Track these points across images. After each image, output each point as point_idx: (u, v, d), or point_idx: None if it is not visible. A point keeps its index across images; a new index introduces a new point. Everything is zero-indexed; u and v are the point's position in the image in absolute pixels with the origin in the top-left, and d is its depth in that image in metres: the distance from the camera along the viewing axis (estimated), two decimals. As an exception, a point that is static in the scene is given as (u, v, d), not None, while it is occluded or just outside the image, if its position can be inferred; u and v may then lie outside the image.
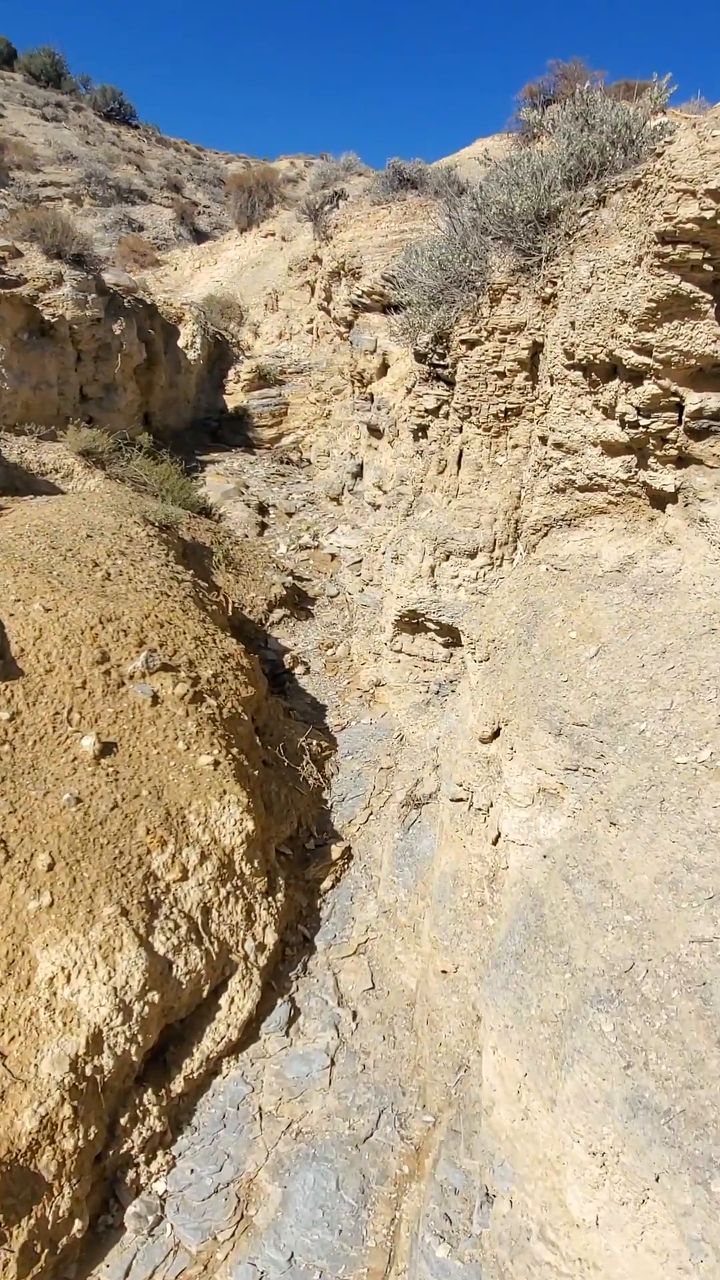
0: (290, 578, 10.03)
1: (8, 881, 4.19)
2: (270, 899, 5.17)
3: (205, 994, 4.55)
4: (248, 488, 13.27)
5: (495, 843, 5.04)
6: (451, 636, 7.59)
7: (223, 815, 5.10)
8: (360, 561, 10.03)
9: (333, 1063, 4.61)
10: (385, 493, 10.72)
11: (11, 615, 5.57)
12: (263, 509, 12.59)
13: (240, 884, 5.02)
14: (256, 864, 5.16)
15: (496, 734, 5.53)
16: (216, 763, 5.36)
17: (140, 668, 5.64)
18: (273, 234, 23.33)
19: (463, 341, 7.19)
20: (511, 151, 20.65)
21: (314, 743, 6.95)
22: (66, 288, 13.02)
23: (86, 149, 34.83)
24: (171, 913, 4.54)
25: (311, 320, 19.25)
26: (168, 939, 4.40)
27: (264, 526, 12.04)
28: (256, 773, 5.82)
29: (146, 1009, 4.11)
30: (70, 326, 12.92)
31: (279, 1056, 4.63)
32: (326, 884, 5.89)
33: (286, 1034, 4.76)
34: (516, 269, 6.99)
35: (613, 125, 6.83)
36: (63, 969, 3.95)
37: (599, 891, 3.55)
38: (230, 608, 8.03)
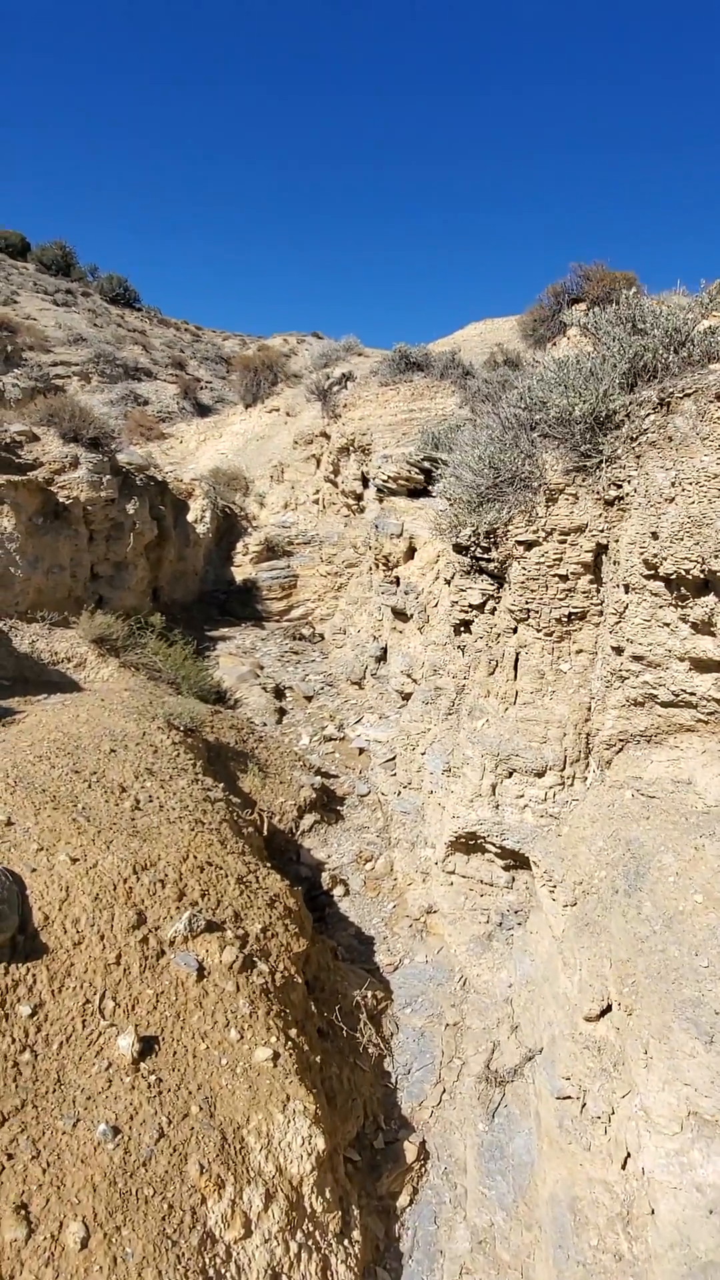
0: (318, 777, 9.29)
1: (30, 1270, 3.21)
2: (346, 1241, 4.13)
3: None
4: (262, 669, 12.74)
5: (624, 1166, 4.09)
6: (514, 859, 6.81)
7: (288, 1133, 4.13)
8: (394, 759, 9.32)
9: None
10: (416, 682, 10.17)
11: (34, 870, 4.77)
12: (279, 692, 12.00)
13: (312, 1228, 3.99)
14: (328, 1194, 4.15)
15: (606, 1010, 4.67)
16: (275, 1055, 4.43)
17: (182, 931, 4.81)
18: (277, 409, 24.05)
19: (519, 542, 6.80)
20: (513, 338, 21.64)
21: (369, 994, 6.01)
22: (82, 470, 12.92)
23: (95, 331, 36.65)
24: (235, 1294, 3.52)
25: (318, 491, 19.45)
26: (233, 1341, 3.37)
27: (282, 713, 11.40)
28: (318, 1058, 4.87)
29: None
30: (84, 508, 12.72)
31: None
32: (403, 1199, 4.82)
33: None
34: (572, 469, 6.70)
35: (664, 330, 6.72)
36: None
37: None
38: (265, 825, 7.25)
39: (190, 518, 16.78)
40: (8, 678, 9.68)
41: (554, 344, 10.76)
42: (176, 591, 16.17)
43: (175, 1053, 4.27)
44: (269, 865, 6.30)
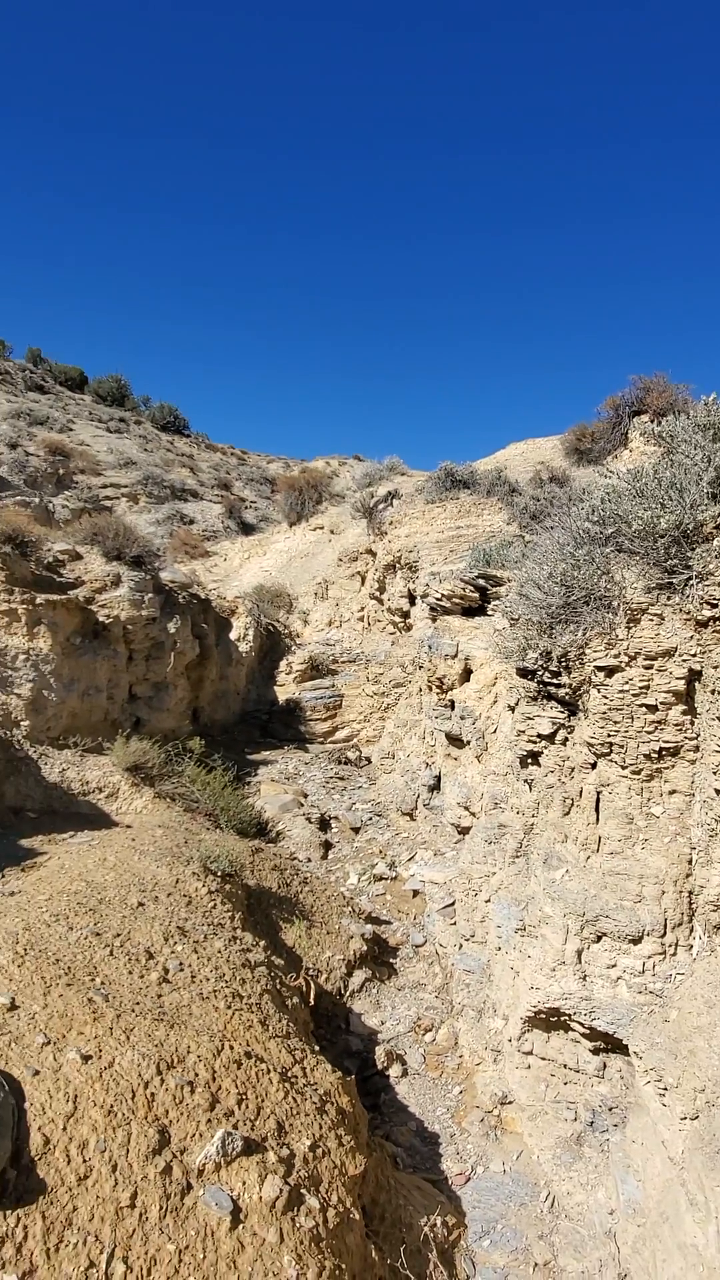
0: (369, 924, 8.32)
1: None
2: None
3: None
4: (306, 797, 11.90)
5: None
6: (604, 1041, 5.74)
7: None
8: (452, 904, 8.33)
9: None
10: (475, 815, 9.27)
11: (37, 1074, 3.92)
12: (324, 824, 11.13)
13: None
14: None
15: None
16: (329, 1339, 3.42)
17: (214, 1156, 3.87)
18: (321, 527, 24.02)
19: (599, 668, 6.05)
20: (555, 456, 21.48)
21: (438, 1221, 4.91)
22: (124, 588, 12.59)
23: (145, 455, 37.71)
24: None
25: (362, 609, 19.03)
26: None
27: (328, 847, 10.50)
28: (382, 1335, 3.82)
29: None
30: (125, 627, 12.31)
31: None
32: None
33: None
34: (655, 586, 6.01)
35: (753, 437, 6.14)
36: None
37: None
38: (312, 991, 6.30)
39: (233, 636, 16.35)
40: (35, 809, 9.01)
41: (615, 456, 10.28)
42: (217, 712, 15.57)
43: (200, 1340, 3.29)
44: (316, 1049, 5.34)
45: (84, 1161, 3.64)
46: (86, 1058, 4.11)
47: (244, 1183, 3.87)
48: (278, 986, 5.78)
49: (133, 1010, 4.63)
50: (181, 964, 5.34)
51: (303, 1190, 4.02)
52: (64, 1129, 3.73)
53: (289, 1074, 4.74)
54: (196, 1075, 4.31)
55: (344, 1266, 3.86)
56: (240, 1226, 3.69)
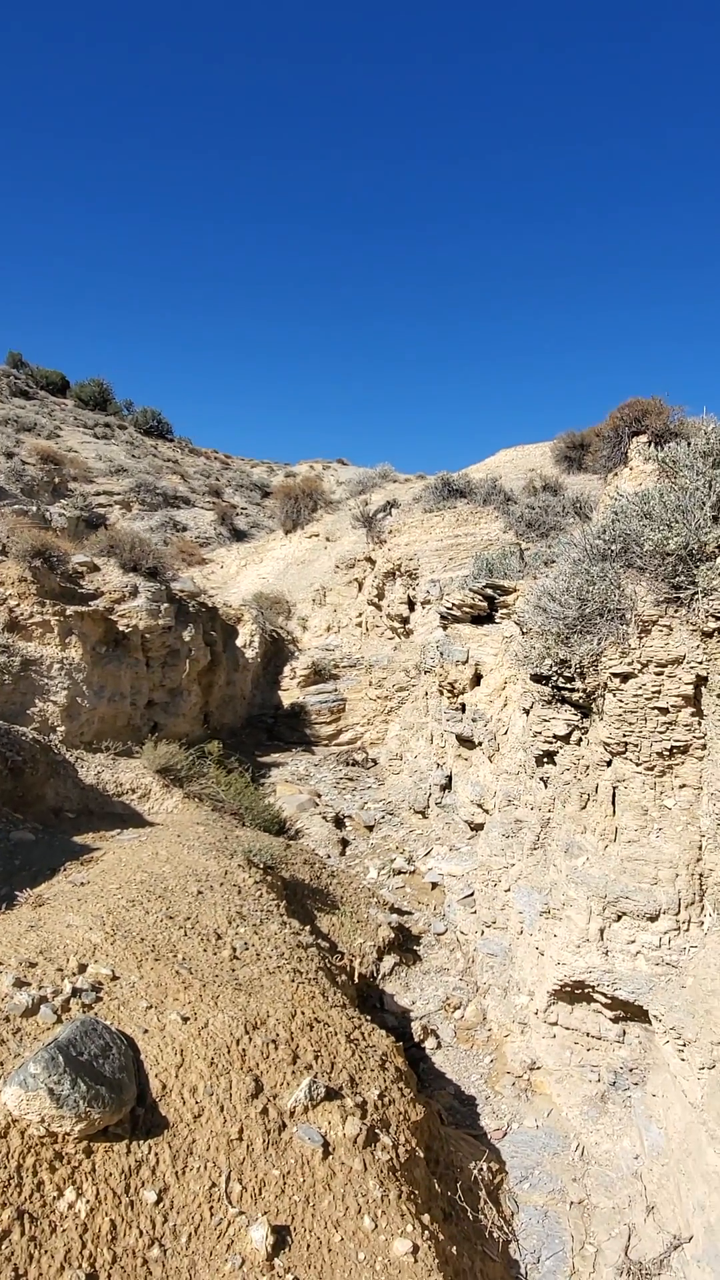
0: (393, 914, 8.92)
1: None
2: None
3: None
4: (320, 796, 12.48)
5: None
6: (624, 1010, 6.38)
7: (438, 1348, 3.69)
8: (472, 895, 8.96)
9: None
10: (489, 812, 9.90)
11: (146, 1032, 4.49)
12: (339, 822, 11.72)
13: None
14: None
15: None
16: (415, 1248, 4.02)
17: (302, 1100, 4.46)
18: (317, 535, 24.61)
19: (615, 674, 6.70)
20: (545, 464, 22.25)
21: (484, 1166, 5.52)
22: (141, 599, 13.13)
23: (133, 462, 38.04)
24: None
25: (360, 615, 19.63)
26: None
27: (345, 844, 11.09)
28: (454, 1248, 4.42)
29: None
30: (143, 636, 12.86)
31: None
32: None
33: None
34: (664, 600, 6.68)
35: (749, 465, 6.80)
36: None
37: None
38: (356, 972, 6.89)
39: (239, 643, 16.90)
40: (73, 810, 9.52)
41: (615, 474, 10.96)
42: (225, 716, 16.11)
43: (309, 1245, 3.87)
44: (367, 1016, 5.94)
45: (196, 1103, 4.23)
46: (185, 1019, 4.69)
47: (329, 1123, 4.46)
48: (328, 965, 6.37)
49: (214, 981, 5.21)
50: (246, 944, 5.91)
51: (377, 1130, 4.62)
52: (176, 1076, 4.31)
53: (352, 1036, 5.33)
54: (278, 1035, 4.90)
55: (417, 1193, 4.47)
56: (330, 1157, 4.29)
